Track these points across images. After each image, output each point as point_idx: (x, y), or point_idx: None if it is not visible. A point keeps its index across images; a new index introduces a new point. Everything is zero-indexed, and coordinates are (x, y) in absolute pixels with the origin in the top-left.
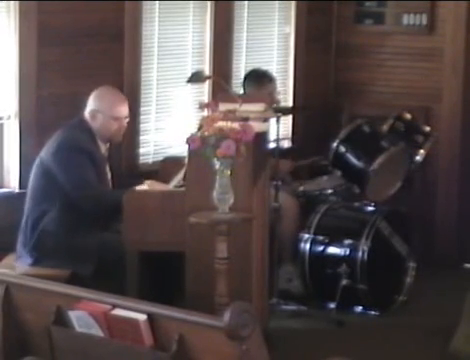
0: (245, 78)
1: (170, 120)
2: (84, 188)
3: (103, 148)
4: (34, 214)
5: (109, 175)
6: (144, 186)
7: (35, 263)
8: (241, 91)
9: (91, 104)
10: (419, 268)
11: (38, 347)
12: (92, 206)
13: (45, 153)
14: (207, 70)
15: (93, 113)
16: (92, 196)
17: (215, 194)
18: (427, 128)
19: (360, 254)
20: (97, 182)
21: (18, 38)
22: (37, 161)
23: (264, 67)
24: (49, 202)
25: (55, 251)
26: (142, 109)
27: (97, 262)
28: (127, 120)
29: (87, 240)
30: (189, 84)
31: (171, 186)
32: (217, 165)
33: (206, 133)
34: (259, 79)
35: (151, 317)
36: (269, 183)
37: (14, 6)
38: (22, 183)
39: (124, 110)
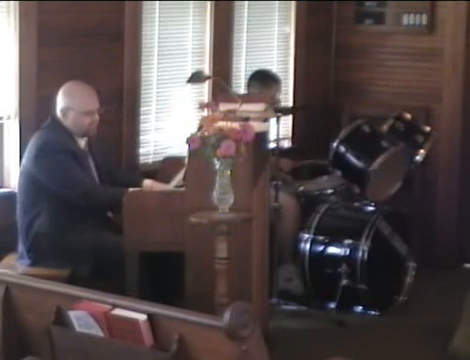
0: (250, 78)
1: (170, 120)
2: (76, 187)
3: (82, 143)
4: (25, 220)
5: (94, 169)
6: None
7: (33, 264)
8: (245, 91)
9: (61, 102)
10: (419, 268)
11: (38, 347)
12: (85, 203)
13: (26, 160)
14: (207, 70)
15: (64, 111)
16: (85, 193)
17: (215, 194)
18: (427, 128)
19: (360, 254)
20: (87, 178)
21: (18, 38)
22: (21, 169)
23: (264, 67)
24: (39, 206)
25: (51, 252)
26: (142, 109)
27: (96, 262)
28: (99, 112)
29: (82, 240)
30: (189, 84)
31: (171, 186)
32: (217, 165)
33: (206, 133)
34: (264, 80)
35: (151, 317)
36: (269, 183)
37: (14, 6)
38: None
39: (94, 103)
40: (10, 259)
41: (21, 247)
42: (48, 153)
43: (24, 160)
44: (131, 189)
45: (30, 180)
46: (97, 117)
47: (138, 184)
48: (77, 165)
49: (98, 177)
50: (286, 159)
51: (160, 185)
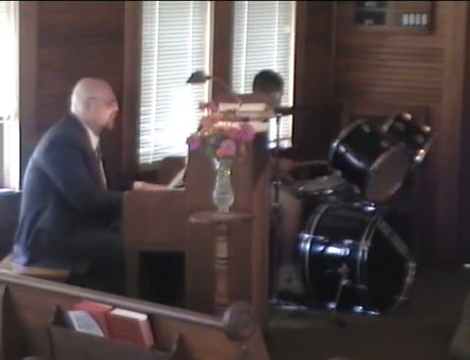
0: (256, 79)
1: (170, 120)
2: (76, 185)
3: (95, 142)
4: (30, 214)
5: (102, 171)
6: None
7: (30, 263)
8: (250, 91)
9: (82, 94)
10: (419, 268)
11: (38, 347)
12: (83, 204)
13: (37, 154)
14: (207, 70)
15: (87, 102)
16: (84, 193)
17: (215, 194)
18: (427, 128)
19: (360, 254)
20: (90, 179)
21: (18, 38)
22: (29, 164)
23: (264, 67)
24: (43, 201)
25: (50, 250)
26: (142, 109)
27: (95, 261)
28: (116, 104)
29: (82, 238)
30: (189, 84)
31: (171, 186)
32: (217, 165)
33: (206, 133)
34: (271, 82)
35: (151, 317)
36: (269, 183)
37: (14, 6)
38: (22, 183)
39: (112, 94)
40: (10, 259)
41: (17, 246)
42: (58, 146)
43: (34, 154)
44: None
45: (39, 173)
46: (116, 107)
47: (129, 187)
48: (84, 164)
49: (106, 178)
50: (286, 159)
51: (150, 185)
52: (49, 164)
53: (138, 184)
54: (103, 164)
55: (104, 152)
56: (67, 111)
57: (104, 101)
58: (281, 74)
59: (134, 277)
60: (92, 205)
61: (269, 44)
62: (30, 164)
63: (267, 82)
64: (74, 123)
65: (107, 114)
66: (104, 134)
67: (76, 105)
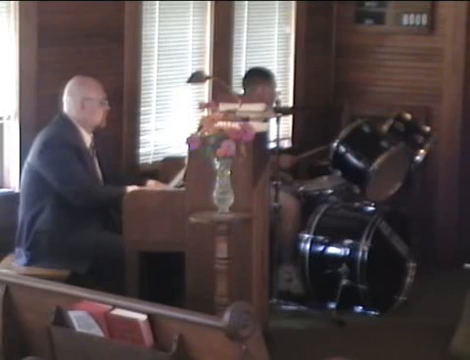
0: (244, 77)
1: (170, 120)
2: (73, 183)
3: (88, 140)
4: (28, 215)
5: (98, 167)
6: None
7: (30, 263)
8: (241, 91)
9: (76, 94)
10: (419, 268)
11: (38, 347)
12: (82, 201)
13: (31, 156)
14: (207, 70)
15: (82, 102)
16: (83, 191)
17: (215, 194)
18: (427, 128)
19: (360, 254)
20: (87, 176)
21: (18, 38)
22: (25, 167)
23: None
24: (41, 203)
25: (50, 250)
26: (142, 109)
27: (95, 261)
28: (107, 103)
29: (82, 239)
30: (189, 84)
31: (171, 186)
32: (217, 165)
33: (206, 133)
34: (258, 77)
35: (151, 317)
36: (269, 183)
37: (14, 6)
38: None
39: (103, 93)
40: (10, 259)
41: (18, 248)
42: (52, 147)
43: (29, 157)
44: (129, 188)
45: (34, 175)
46: (108, 107)
47: (140, 185)
48: (80, 162)
49: (102, 175)
50: (286, 155)
51: (162, 185)
52: (44, 166)
53: (151, 183)
54: (99, 161)
55: (104, 152)
56: (60, 111)
57: (98, 101)
58: (281, 74)
59: (134, 277)
60: (93, 201)
61: (269, 44)
62: (25, 167)
63: (254, 78)
64: (66, 123)
65: (100, 114)
66: (104, 134)
67: (69, 104)
